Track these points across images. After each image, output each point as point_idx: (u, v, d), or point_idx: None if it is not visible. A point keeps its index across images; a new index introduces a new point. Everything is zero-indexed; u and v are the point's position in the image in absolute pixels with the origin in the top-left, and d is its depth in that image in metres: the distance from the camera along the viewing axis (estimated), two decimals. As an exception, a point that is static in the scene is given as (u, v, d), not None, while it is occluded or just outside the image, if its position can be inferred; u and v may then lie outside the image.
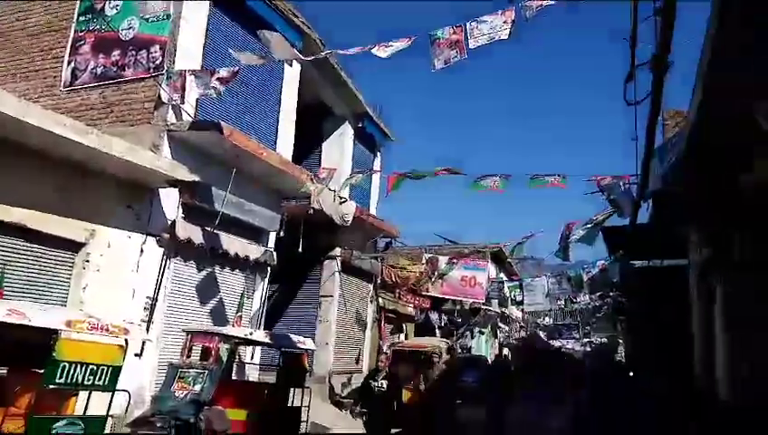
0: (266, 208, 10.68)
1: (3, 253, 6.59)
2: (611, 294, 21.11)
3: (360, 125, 15.22)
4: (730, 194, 6.14)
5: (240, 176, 9.42)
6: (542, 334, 48.89)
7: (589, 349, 44.53)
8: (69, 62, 9.33)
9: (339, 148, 14.71)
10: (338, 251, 14.12)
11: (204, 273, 9.57)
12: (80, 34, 9.36)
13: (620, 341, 37.19)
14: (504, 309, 29.07)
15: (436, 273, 17.99)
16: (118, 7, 9.15)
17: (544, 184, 10.30)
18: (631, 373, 15.06)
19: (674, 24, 4.00)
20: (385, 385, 9.32)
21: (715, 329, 8.07)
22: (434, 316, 22.03)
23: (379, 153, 17.03)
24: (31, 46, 9.81)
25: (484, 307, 25.18)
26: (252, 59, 7.82)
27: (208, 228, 9.04)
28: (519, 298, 21.09)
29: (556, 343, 48.92)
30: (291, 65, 10.50)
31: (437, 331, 22.30)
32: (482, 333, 27.93)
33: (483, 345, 24.87)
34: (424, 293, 19.60)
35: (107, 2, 9.26)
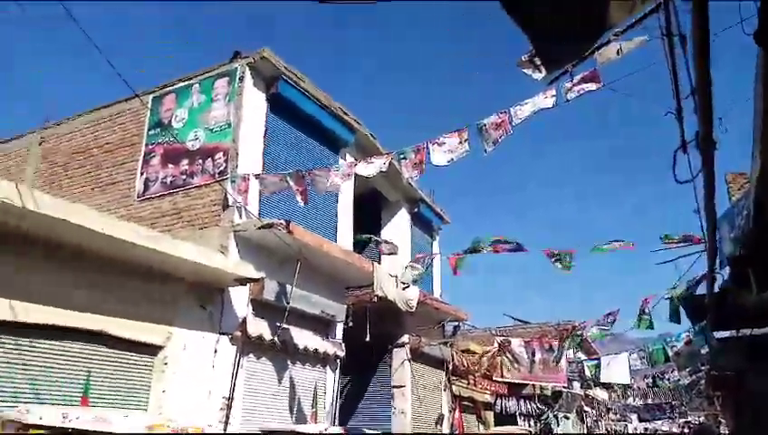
0: (332, 300, 10.73)
1: (87, 360, 6.76)
2: (702, 368, 19.56)
3: (416, 210, 15.41)
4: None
5: (304, 269, 9.57)
6: (633, 417, 45.39)
7: (687, 430, 40.83)
8: (141, 174, 10.01)
9: (397, 234, 14.82)
10: (406, 338, 13.86)
11: (276, 369, 9.53)
12: (150, 148, 10.10)
13: (720, 419, 33.97)
14: (588, 391, 27.34)
15: (509, 357, 17.30)
16: (183, 121, 9.89)
17: (606, 250, 10.50)
18: None
19: (712, 95, 3.81)
20: None
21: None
22: (511, 402, 20.94)
23: (437, 236, 17.07)
24: (106, 161, 10.64)
25: (566, 390, 23.78)
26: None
27: (278, 323, 9.11)
28: (597, 375, 19.88)
29: (648, 426, 45.16)
30: (344, 158, 10.91)
31: (519, 418, 21.08)
32: (567, 418, 26.17)
33: (570, 431, 23.22)
34: (499, 379, 18.77)
35: (173, 117, 10.04)
